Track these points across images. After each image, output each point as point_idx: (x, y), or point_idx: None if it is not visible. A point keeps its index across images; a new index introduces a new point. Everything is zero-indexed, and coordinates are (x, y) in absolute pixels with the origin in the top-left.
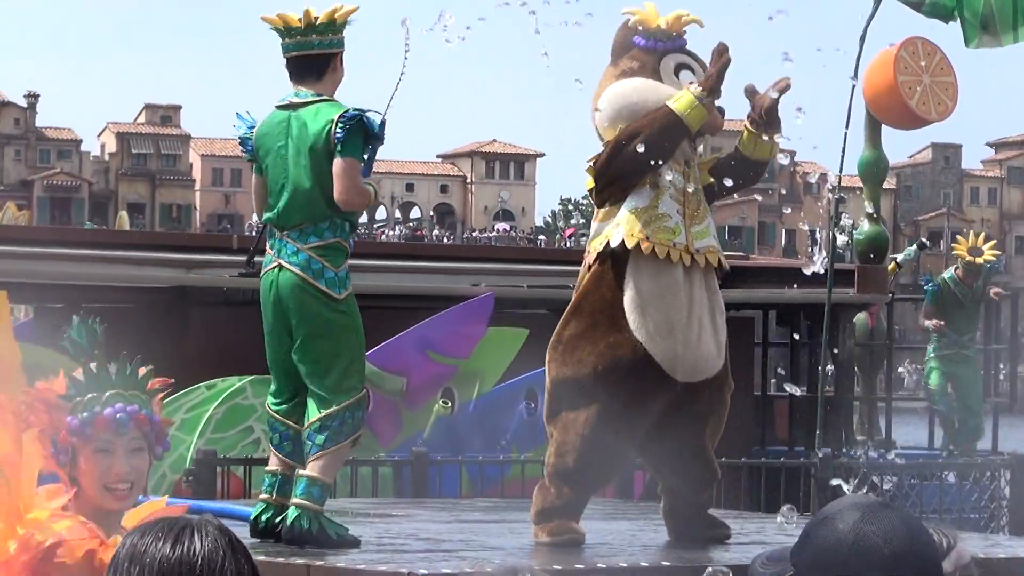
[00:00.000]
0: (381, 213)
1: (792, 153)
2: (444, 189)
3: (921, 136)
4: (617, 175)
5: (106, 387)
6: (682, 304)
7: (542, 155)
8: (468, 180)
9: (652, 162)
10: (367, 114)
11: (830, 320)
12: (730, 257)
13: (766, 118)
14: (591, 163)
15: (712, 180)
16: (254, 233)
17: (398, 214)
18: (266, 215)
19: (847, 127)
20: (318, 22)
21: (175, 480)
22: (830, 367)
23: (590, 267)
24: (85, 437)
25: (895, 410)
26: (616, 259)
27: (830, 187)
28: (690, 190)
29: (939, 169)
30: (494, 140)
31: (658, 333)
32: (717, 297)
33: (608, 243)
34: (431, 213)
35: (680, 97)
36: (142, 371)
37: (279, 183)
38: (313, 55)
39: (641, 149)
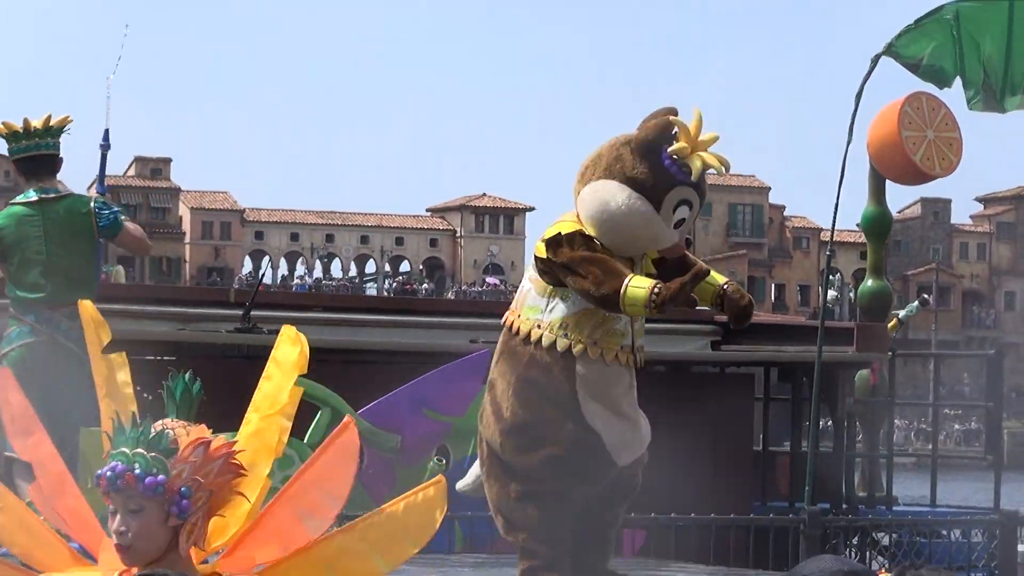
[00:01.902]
0: (371, 267)
1: (782, 208)
2: (434, 243)
3: (910, 191)
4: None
5: (131, 444)
6: (625, 393)
7: (532, 209)
8: (458, 234)
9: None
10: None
11: (829, 378)
12: None
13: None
14: (548, 241)
15: (655, 270)
16: (243, 287)
17: (388, 268)
18: (35, 295)
19: (840, 185)
20: (51, 126)
21: None
22: (829, 423)
23: (529, 342)
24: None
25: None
26: (564, 353)
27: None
28: None
29: (928, 224)
30: (484, 194)
31: (611, 422)
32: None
33: (555, 342)
34: (420, 267)
35: (638, 286)
36: (159, 427)
37: (44, 267)
38: (46, 155)
39: (576, 288)
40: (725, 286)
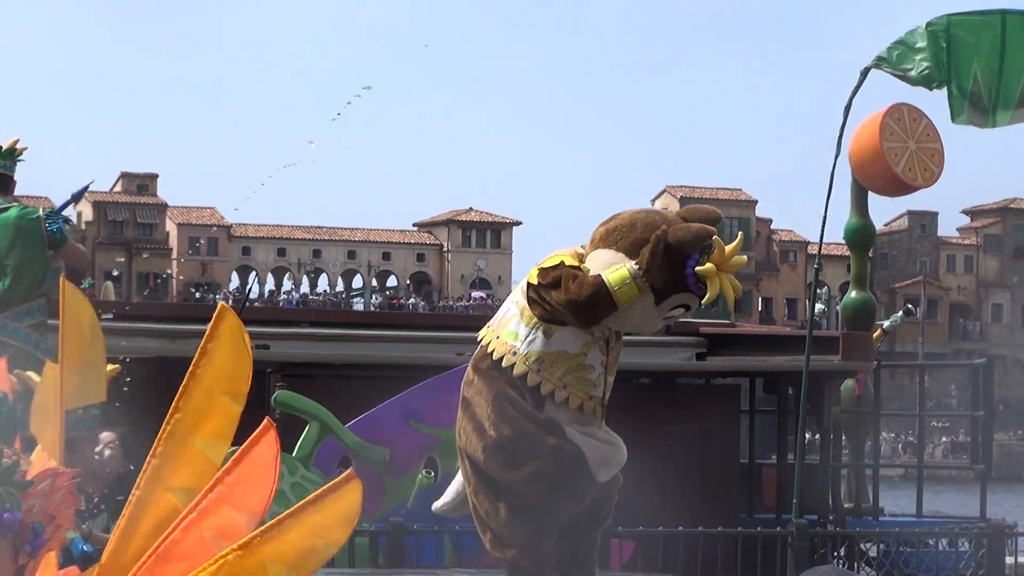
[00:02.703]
0: (358, 281)
1: (769, 221)
2: (421, 258)
3: (897, 203)
4: (551, 317)
5: None
6: (597, 428)
7: (519, 223)
8: (445, 249)
9: (576, 321)
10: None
11: (814, 388)
12: (717, 326)
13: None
14: (540, 273)
15: None
16: (230, 303)
17: (375, 282)
18: None
19: (828, 197)
20: (14, 150)
21: None
22: (815, 435)
23: (501, 367)
24: None
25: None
26: (534, 388)
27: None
28: (612, 343)
29: (915, 237)
30: (471, 209)
31: (586, 439)
32: None
33: (526, 375)
34: (408, 282)
35: (616, 269)
36: (7, 461)
37: None
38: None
39: (560, 301)
40: None
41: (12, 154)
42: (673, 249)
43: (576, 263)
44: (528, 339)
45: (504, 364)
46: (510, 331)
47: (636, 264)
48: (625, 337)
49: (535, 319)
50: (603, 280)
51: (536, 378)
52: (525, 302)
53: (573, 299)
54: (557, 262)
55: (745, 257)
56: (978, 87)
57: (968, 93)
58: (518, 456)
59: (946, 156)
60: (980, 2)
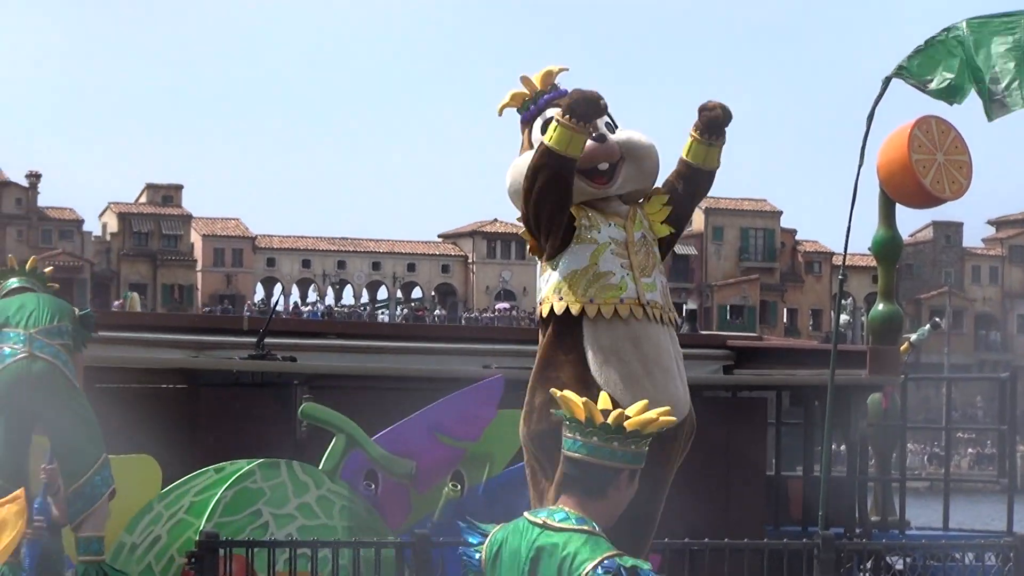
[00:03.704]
0: (382, 293)
1: (793, 232)
2: (445, 269)
3: (922, 214)
4: (547, 222)
5: None
6: (644, 353)
7: None
8: (470, 260)
9: (562, 201)
10: None
11: (841, 401)
12: (743, 339)
13: (709, 126)
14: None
15: (671, 231)
16: (255, 314)
17: (399, 294)
18: None
19: (852, 208)
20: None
21: (183, 564)
22: (841, 447)
23: (544, 329)
24: None
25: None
26: (568, 320)
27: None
28: (637, 237)
29: (940, 247)
30: (495, 220)
31: (627, 383)
32: (677, 346)
33: (552, 310)
34: (432, 293)
35: (548, 132)
36: None
37: None
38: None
39: (544, 190)
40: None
41: (35, 272)
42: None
43: None
44: (547, 279)
45: (542, 315)
46: (540, 288)
47: (559, 112)
48: None
49: (546, 264)
50: (542, 143)
51: (562, 304)
52: (537, 256)
53: (531, 168)
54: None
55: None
56: (996, 82)
57: (987, 90)
58: (548, 412)
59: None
60: (1001, 4)
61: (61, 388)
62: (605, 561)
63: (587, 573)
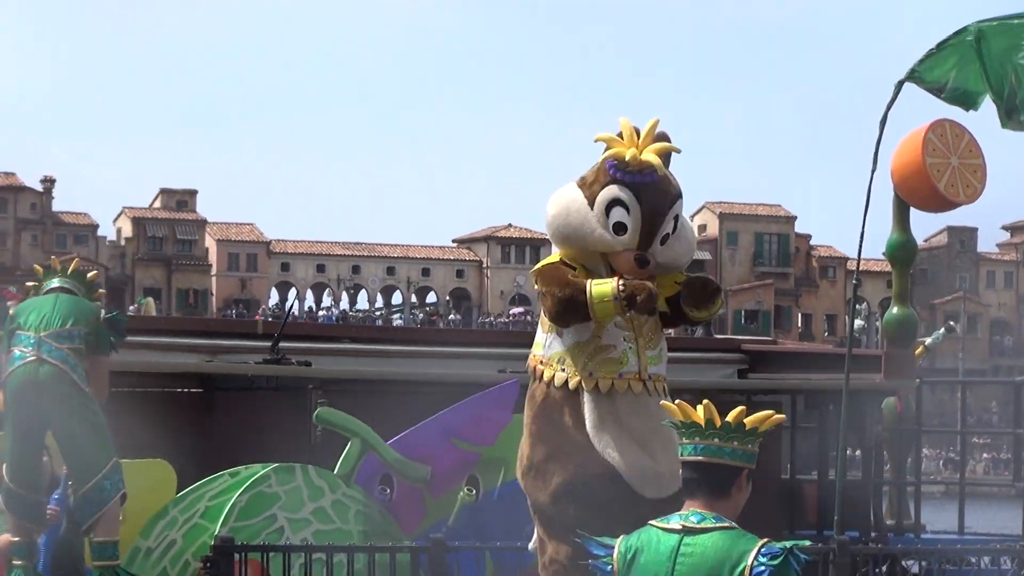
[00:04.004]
0: (397, 298)
1: (808, 237)
2: (460, 274)
3: (937, 219)
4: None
5: None
6: (642, 424)
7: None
8: (484, 265)
9: (550, 318)
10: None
11: (856, 405)
12: (758, 343)
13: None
14: (535, 276)
15: (666, 308)
16: (270, 319)
17: (414, 299)
18: None
19: (866, 212)
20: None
21: (198, 568)
22: (856, 451)
23: (540, 380)
24: None
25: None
26: (568, 389)
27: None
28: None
29: (955, 253)
30: (510, 225)
31: (625, 451)
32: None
33: (554, 377)
34: (447, 298)
35: (602, 282)
36: None
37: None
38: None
39: (546, 306)
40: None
41: (76, 274)
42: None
43: (555, 258)
44: (548, 344)
45: (538, 375)
46: (537, 342)
47: (623, 284)
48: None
49: (547, 323)
50: (587, 287)
51: (563, 376)
52: (543, 311)
53: (554, 301)
54: (556, 259)
55: (668, 145)
56: (1017, 89)
57: (1005, 98)
58: (545, 474)
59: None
60: (1013, 5)
61: (68, 393)
62: (763, 548)
63: (752, 562)
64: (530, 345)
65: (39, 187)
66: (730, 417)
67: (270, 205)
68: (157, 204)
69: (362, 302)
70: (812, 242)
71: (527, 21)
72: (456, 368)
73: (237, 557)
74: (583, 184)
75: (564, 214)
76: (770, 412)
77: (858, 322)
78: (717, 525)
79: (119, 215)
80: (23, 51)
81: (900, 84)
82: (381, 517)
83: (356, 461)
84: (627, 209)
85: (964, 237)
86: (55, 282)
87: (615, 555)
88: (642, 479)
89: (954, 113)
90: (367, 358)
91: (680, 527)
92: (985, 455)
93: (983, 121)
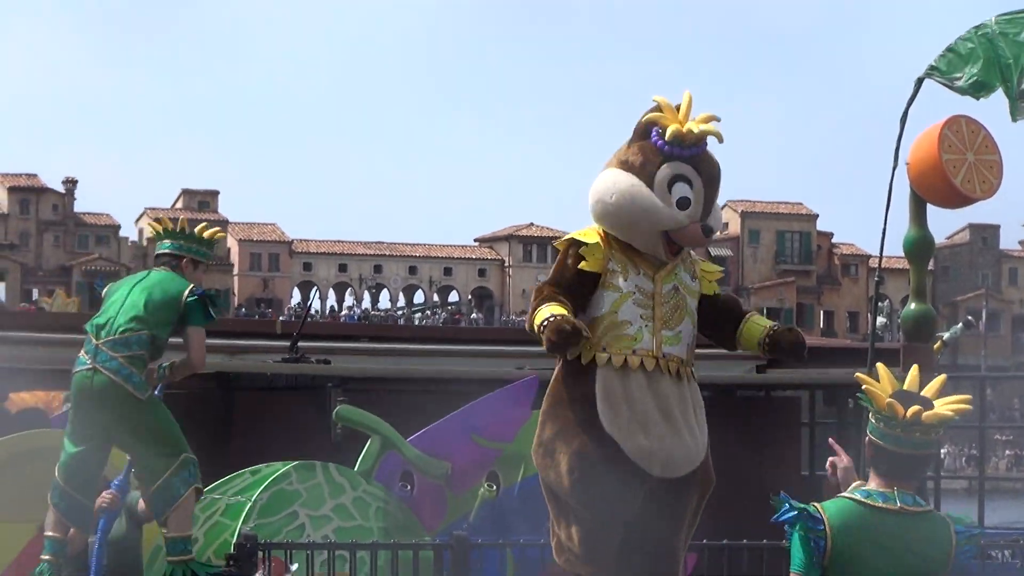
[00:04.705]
0: (419, 297)
1: (830, 235)
2: (482, 273)
3: (959, 216)
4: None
5: None
6: (652, 403)
7: None
8: (506, 264)
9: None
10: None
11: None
12: None
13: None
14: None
15: (717, 291)
16: (292, 318)
17: (436, 298)
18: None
19: (887, 210)
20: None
21: (219, 565)
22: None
23: (562, 362)
24: None
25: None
26: (580, 363)
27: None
28: (666, 289)
29: (977, 250)
30: (531, 224)
31: (630, 429)
32: (696, 396)
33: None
34: (469, 297)
35: (543, 310)
36: None
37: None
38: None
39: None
40: (774, 326)
41: (194, 236)
42: (636, 134)
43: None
44: None
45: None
46: None
47: (545, 320)
48: None
49: None
50: (532, 308)
51: (576, 350)
52: None
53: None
54: (591, 235)
55: (709, 114)
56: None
57: (1016, 91)
58: (553, 453)
59: (1005, 168)
60: None
61: (122, 403)
62: (956, 528)
63: (956, 542)
64: None
65: (61, 188)
66: (909, 413)
67: (292, 205)
68: (179, 205)
69: (384, 302)
70: (834, 240)
71: (551, 19)
72: (475, 366)
73: (260, 554)
74: (631, 167)
75: (629, 201)
76: (956, 398)
77: (880, 319)
78: (926, 508)
79: (141, 215)
80: (45, 53)
81: (920, 81)
82: (402, 513)
83: (376, 458)
84: (689, 184)
85: (986, 234)
86: (166, 246)
87: (827, 528)
88: (648, 459)
89: (971, 107)
90: (386, 357)
91: (899, 509)
92: (1008, 452)
93: (997, 113)
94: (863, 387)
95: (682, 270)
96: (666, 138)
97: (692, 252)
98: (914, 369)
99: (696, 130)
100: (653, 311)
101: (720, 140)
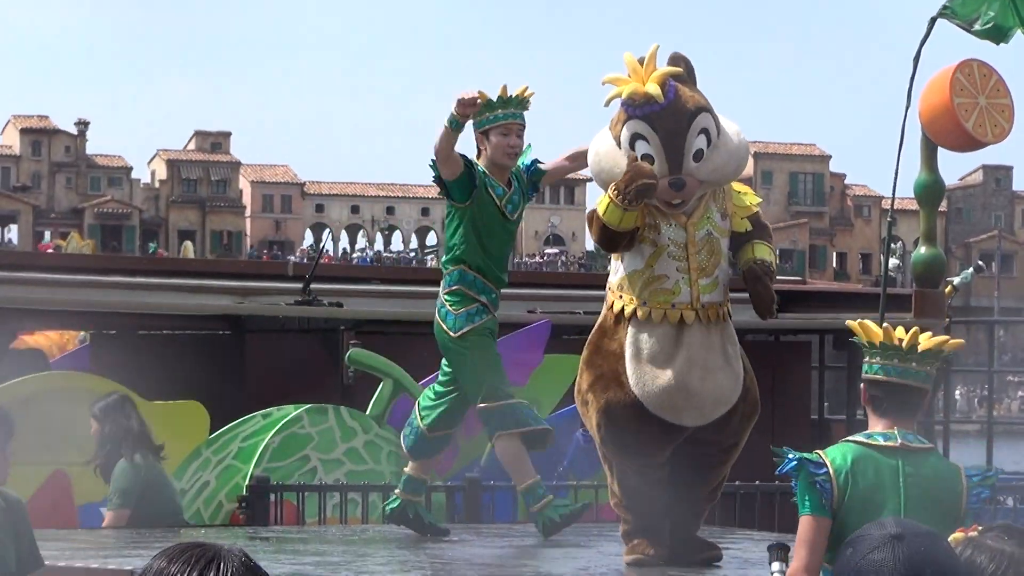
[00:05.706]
0: (432, 239)
1: (843, 176)
2: None
3: (972, 158)
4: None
5: None
6: (683, 358)
7: (592, 180)
8: None
9: (627, 247)
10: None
11: None
12: (786, 281)
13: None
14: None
15: (751, 227)
16: (305, 260)
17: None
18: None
19: (900, 150)
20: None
21: (231, 509)
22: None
23: (607, 307)
24: None
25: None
26: (621, 316)
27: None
28: (699, 236)
29: (990, 191)
30: None
31: (656, 387)
32: (727, 332)
33: (612, 304)
34: None
35: (601, 200)
36: None
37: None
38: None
39: (608, 248)
40: (754, 265)
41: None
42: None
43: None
44: (615, 270)
45: (607, 303)
46: (609, 269)
47: (613, 187)
48: None
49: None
50: (596, 213)
51: (620, 303)
52: None
53: (592, 230)
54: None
55: (666, 69)
56: None
57: None
58: (591, 403)
59: (1016, 112)
60: None
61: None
62: (966, 470)
63: (967, 485)
64: (560, 286)
65: (73, 130)
66: (906, 340)
67: (304, 146)
68: (191, 146)
69: (396, 243)
70: (847, 181)
71: None
72: None
73: (272, 497)
74: (612, 128)
75: (597, 159)
76: (946, 336)
77: (893, 261)
78: (928, 445)
79: (153, 157)
80: None
81: (933, 20)
82: None
83: (388, 402)
84: (647, 140)
85: (1000, 175)
86: (499, 116)
87: (831, 471)
88: (677, 413)
89: (984, 50)
90: (399, 299)
91: (899, 445)
92: (1020, 394)
93: (1012, 57)
94: (855, 325)
95: (714, 210)
96: (622, 98)
97: (725, 187)
98: (885, 327)
99: (646, 90)
100: (688, 262)
101: (661, 98)
